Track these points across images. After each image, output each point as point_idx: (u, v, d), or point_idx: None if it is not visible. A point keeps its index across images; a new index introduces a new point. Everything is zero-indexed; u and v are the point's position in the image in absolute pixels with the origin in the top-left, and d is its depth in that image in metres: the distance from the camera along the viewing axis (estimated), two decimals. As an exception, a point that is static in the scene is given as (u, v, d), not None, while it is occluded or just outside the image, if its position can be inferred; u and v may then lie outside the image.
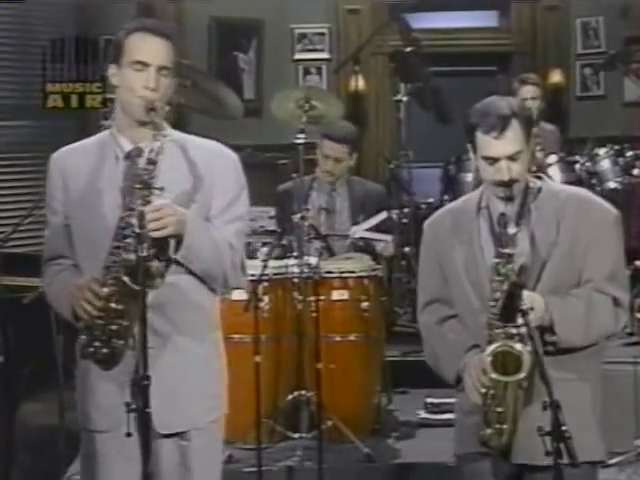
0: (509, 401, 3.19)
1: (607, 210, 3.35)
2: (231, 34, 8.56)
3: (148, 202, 3.03)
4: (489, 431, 3.23)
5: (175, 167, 3.17)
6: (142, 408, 2.96)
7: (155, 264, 3.03)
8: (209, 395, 3.26)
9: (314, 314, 5.14)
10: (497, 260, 3.16)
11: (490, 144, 3.21)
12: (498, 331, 3.16)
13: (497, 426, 3.21)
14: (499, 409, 3.19)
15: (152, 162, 3.06)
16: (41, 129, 7.22)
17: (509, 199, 3.25)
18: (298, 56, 8.73)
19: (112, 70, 3.18)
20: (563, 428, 2.97)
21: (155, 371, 3.04)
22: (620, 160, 6.75)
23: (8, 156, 7.24)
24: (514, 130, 3.21)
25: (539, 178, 3.36)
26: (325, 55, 8.74)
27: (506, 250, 3.16)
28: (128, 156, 3.18)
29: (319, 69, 8.75)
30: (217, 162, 3.24)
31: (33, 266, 5.30)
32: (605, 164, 6.74)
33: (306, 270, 5.28)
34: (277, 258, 5.48)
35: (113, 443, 3.17)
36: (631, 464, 5.11)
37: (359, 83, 8.52)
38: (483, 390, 3.19)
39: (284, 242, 5.56)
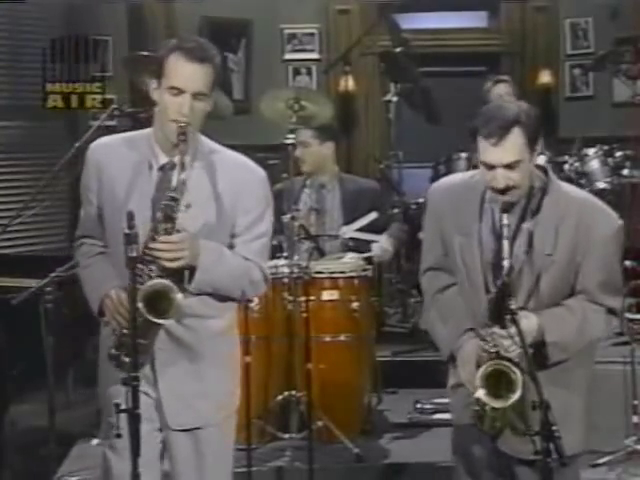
0: (501, 410, 3.23)
1: (609, 221, 3.30)
2: (220, 34, 8.54)
3: (170, 234, 3.10)
4: (485, 425, 3.28)
5: (199, 181, 3.21)
6: (132, 409, 2.98)
7: (179, 297, 3.08)
8: (222, 393, 3.33)
9: (304, 314, 5.14)
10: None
11: (488, 151, 3.17)
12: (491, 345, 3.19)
13: (490, 423, 3.27)
14: (493, 415, 3.24)
15: (174, 199, 3.12)
16: (33, 130, 7.20)
17: (506, 210, 3.19)
18: (288, 56, 8.73)
19: (154, 85, 3.23)
20: (553, 428, 3.00)
21: (169, 372, 3.18)
22: (609, 160, 6.75)
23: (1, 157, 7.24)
24: (514, 139, 3.15)
25: (545, 172, 3.29)
26: (315, 55, 8.74)
27: (506, 263, 3.14)
28: (162, 169, 3.23)
29: (309, 69, 8.74)
30: (243, 179, 3.28)
31: (22, 267, 5.32)
32: (594, 164, 6.74)
33: (296, 270, 5.28)
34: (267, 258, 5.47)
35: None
36: (620, 463, 5.12)
37: (349, 83, 8.52)
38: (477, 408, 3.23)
39: (274, 242, 5.55)
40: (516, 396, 3.14)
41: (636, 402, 5.24)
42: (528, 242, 3.25)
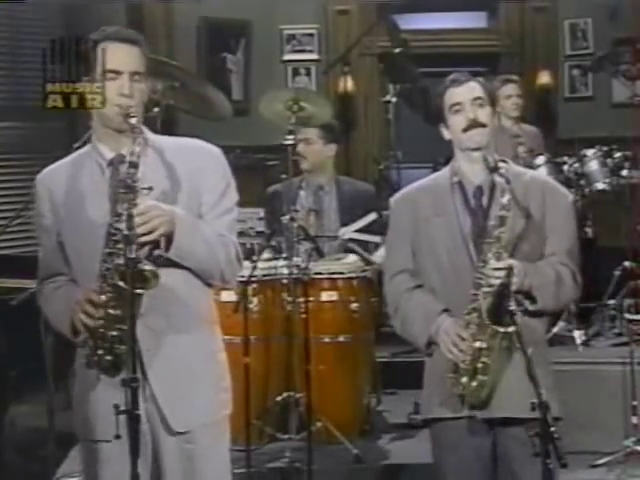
0: (495, 354, 3.37)
1: (566, 194, 3.69)
2: (219, 35, 8.55)
3: (134, 205, 3.05)
4: (475, 384, 3.40)
5: (154, 170, 3.19)
6: (132, 410, 2.97)
7: (148, 267, 3.04)
8: (218, 389, 3.33)
9: (303, 315, 5.14)
10: (492, 223, 3.40)
11: (455, 92, 3.62)
12: (487, 290, 3.35)
13: (481, 378, 3.39)
14: (486, 360, 3.37)
15: (134, 165, 3.08)
16: (32, 130, 7.20)
17: (478, 148, 3.53)
18: (287, 57, 8.73)
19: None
20: (552, 429, 3.02)
21: (156, 371, 3.14)
22: (608, 161, 6.74)
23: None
24: (474, 84, 3.62)
25: (503, 162, 3.58)
26: (314, 56, 8.74)
27: (500, 213, 3.38)
28: (111, 163, 3.21)
29: (308, 70, 8.75)
30: (201, 160, 3.27)
31: (22, 267, 5.31)
32: (593, 165, 6.73)
33: (295, 271, 5.28)
34: (266, 259, 5.48)
35: (118, 449, 3.15)
36: (620, 464, 5.12)
37: (348, 84, 8.53)
38: (477, 344, 3.36)
39: (273, 243, 5.55)
40: (515, 327, 3.26)
41: (635, 403, 5.25)
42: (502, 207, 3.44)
